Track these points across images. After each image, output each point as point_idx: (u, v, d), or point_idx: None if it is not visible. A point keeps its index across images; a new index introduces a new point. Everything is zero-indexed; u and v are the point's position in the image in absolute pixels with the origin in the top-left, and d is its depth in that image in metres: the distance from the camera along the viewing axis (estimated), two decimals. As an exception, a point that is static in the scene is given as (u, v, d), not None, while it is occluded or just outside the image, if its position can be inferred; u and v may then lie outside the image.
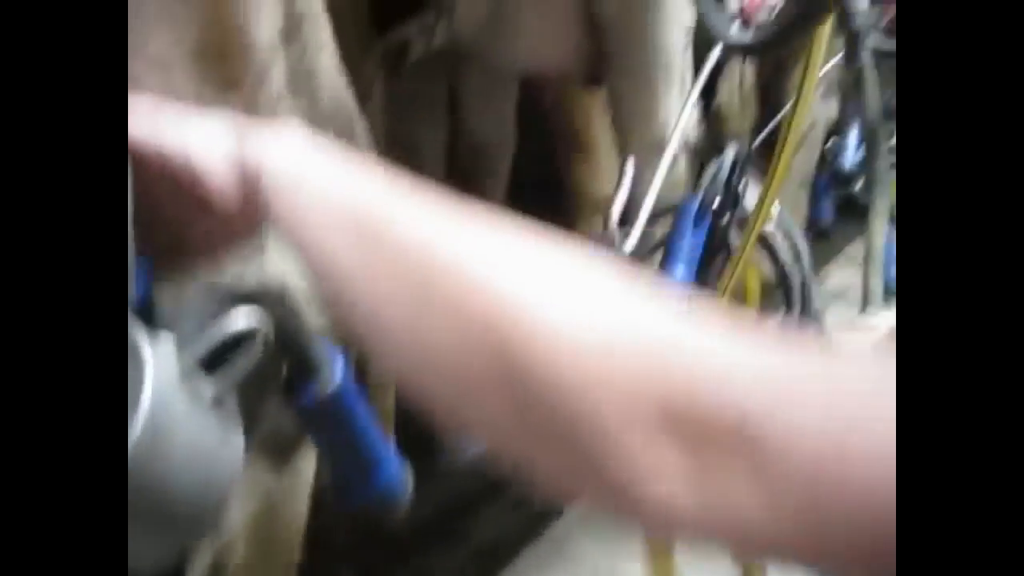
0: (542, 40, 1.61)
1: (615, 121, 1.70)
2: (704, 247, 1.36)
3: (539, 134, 2.00)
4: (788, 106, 1.87)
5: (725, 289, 1.35)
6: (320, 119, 0.81)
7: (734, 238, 1.41)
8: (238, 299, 0.56)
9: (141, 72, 0.69)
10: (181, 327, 0.54)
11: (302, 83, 0.80)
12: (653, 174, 1.58)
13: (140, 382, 0.49)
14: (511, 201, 2.04)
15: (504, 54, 1.62)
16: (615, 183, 1.97)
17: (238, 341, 0.54)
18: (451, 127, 1.99)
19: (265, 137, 0.52)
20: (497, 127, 1.98)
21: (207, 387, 0.53)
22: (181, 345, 0.53)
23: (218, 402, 0.54)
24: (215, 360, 0.54)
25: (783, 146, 1.23)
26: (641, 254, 1.30)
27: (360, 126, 0.84)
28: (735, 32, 1.25)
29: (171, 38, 0.69)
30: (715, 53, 1.44)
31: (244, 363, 0.54)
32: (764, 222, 1.32)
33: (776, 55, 1.51)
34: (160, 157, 0.52)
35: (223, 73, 0.73)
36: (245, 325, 0.54)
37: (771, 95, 1.98)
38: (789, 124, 1.21)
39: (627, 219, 1.49)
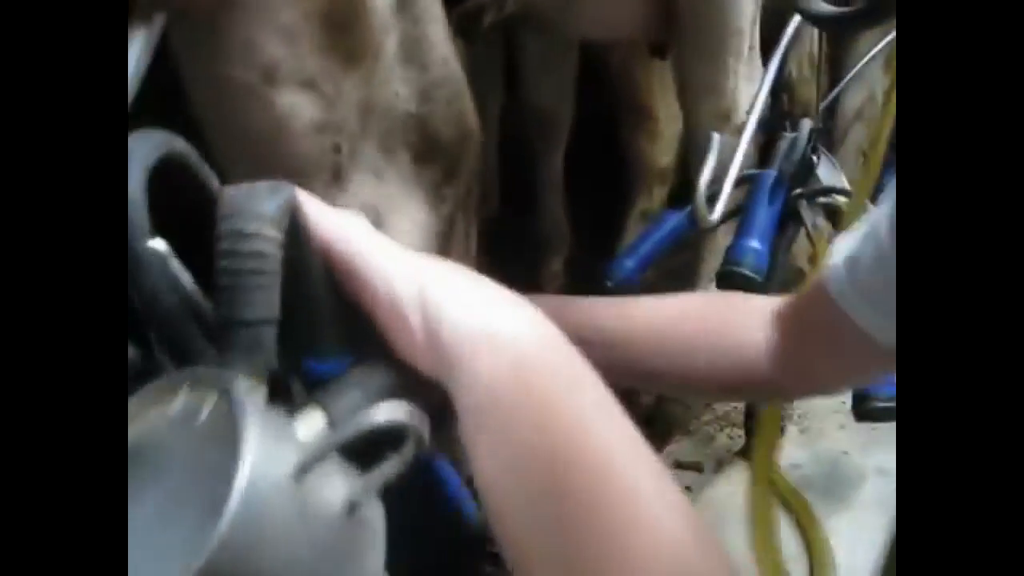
0: (612, 8, 1.60)
1: (681, 92, 1.69)
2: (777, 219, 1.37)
3: (600, 103, 1.99)
4: (850, 76, 1.87)
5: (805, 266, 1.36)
6: (430, 88, 0.82)
7: (805, 210, 1.41)
8: (400, 389, 0.48)
9: (270, 42, 0.71)
10: (333, 409, 0.46)
11: (414, 52, 0.80)
12: (722, 146, 1.59)
13: (234, 471, 0.40)
14: (570, 170, 2.04)
15: (574, 21, 1.62)
16: (676, 154, 1.97)
17: (391, 437, 0.45)
18: (507, 95, 1.99)
19: (450, 287, 0.48)
20: (556, 95, 1.97)
21: (341, 486, 0.43)
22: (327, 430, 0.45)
23: (355, 506, 0.43)
24: (360, 455, 0.45)
25: (878, 134, 1.23)
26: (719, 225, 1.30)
27: (467, 97, 0.85)
28: (815, 3, 1.24)
29: (301, 7, 0.70)
30: (792, 24, 1.43)
31: (393, 464, 0.44)
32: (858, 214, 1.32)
33: (865, 29, 1.50)
34: (350, 273, 0.49)
35: (347, 43, 0.73)
36: (399, 418, 0.44)
37: (834, 63, 1.97)
38: (885, 107, 1.20)
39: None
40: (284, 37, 0.70)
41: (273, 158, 0.74)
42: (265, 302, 0.45)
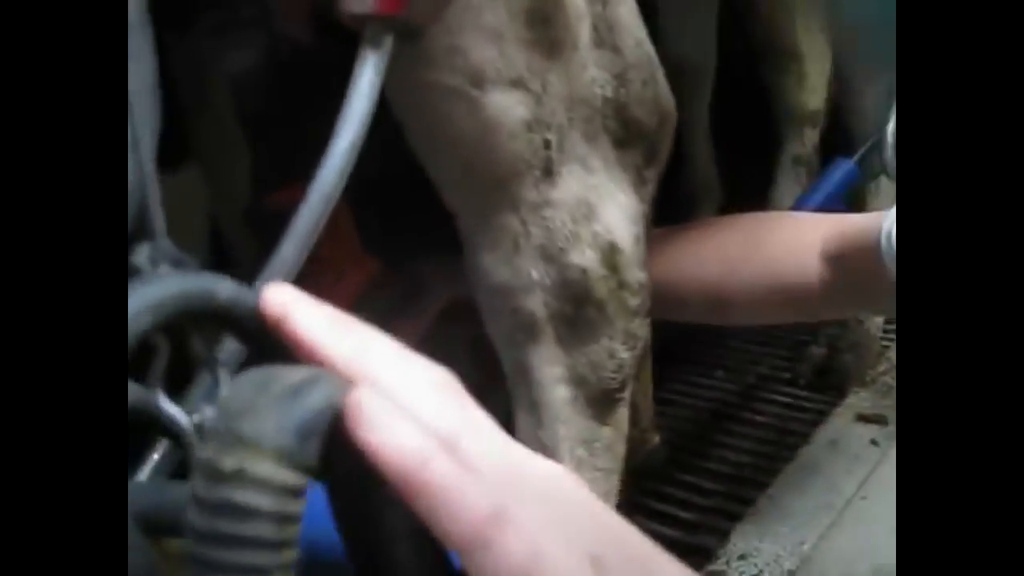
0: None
1: (833, 29, 1.64)
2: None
3: (742, 44, 1.94)
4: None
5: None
6: (624, 72, 0.80)
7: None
8: None
9: (475, 45, 0.70)
10: None
11: (605, 35, 0.79)
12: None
13: None
14: (715, 116, 1.99)
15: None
16: (825, 96, 1.91)
17: None
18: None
19: None
20: (698, 44, 1.93)
21: None
22: None
23: None
24: None
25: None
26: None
27: (662, 78, 0.83)
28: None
29: (505, 7, 0.69)
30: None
31: None
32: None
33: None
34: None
35: (548, 37, 0.72)
36: None
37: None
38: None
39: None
40: (490, 38, 0.69)
41: (483, 160, 0.73)
42: None
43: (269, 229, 0.49)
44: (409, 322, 1.02)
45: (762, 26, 1.89)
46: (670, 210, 1.98)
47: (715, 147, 2.01)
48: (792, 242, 0.92)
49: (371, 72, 0.56)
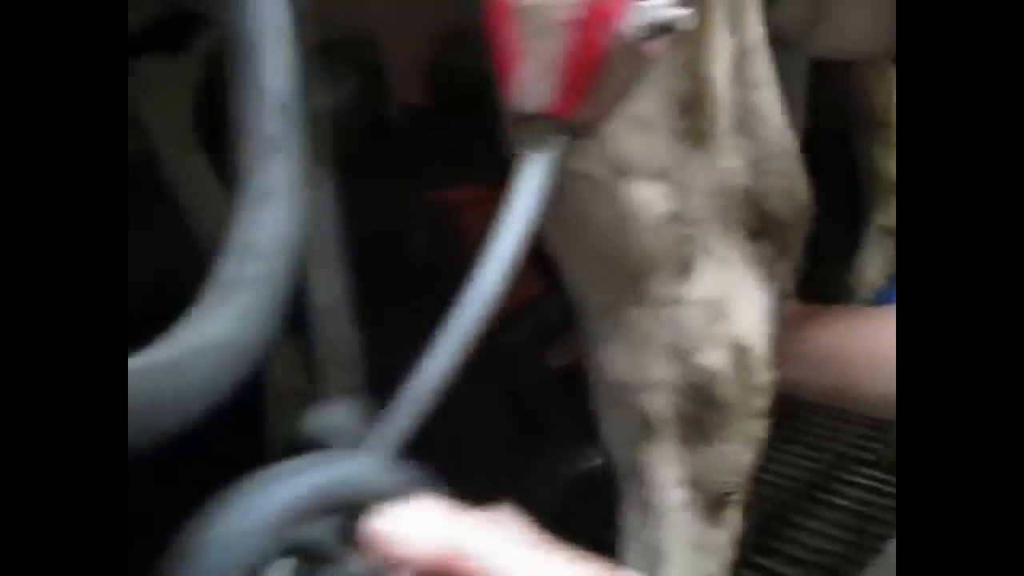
0: (863, 28, 1.51)
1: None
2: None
3: (831, 110, 1.89)
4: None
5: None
6: (763, 160, 0.76)
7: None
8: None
9: (623, 135, 0.66)
10: None
11: (746, 121, 0.75)
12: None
13: None
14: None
15: (817, 41, 1.53)
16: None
17: None
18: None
19: None
20: (786, 105, 1.88)
21: None
22: None
23: None
24: None
25: None
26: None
27: (800, 168, 0.79)
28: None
29: (657, 96, 0.65)
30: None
31: None
32: None
33: None
34: None
35: (694, 126, 0.68)
36: None
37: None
38: None
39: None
40: (638, 127, 0.66)
41: (618, 253, 0.69)
42: None
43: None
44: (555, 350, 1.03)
45: (856, 92, 1.84)
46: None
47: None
48: None
49: (537, 176, 0.51)
